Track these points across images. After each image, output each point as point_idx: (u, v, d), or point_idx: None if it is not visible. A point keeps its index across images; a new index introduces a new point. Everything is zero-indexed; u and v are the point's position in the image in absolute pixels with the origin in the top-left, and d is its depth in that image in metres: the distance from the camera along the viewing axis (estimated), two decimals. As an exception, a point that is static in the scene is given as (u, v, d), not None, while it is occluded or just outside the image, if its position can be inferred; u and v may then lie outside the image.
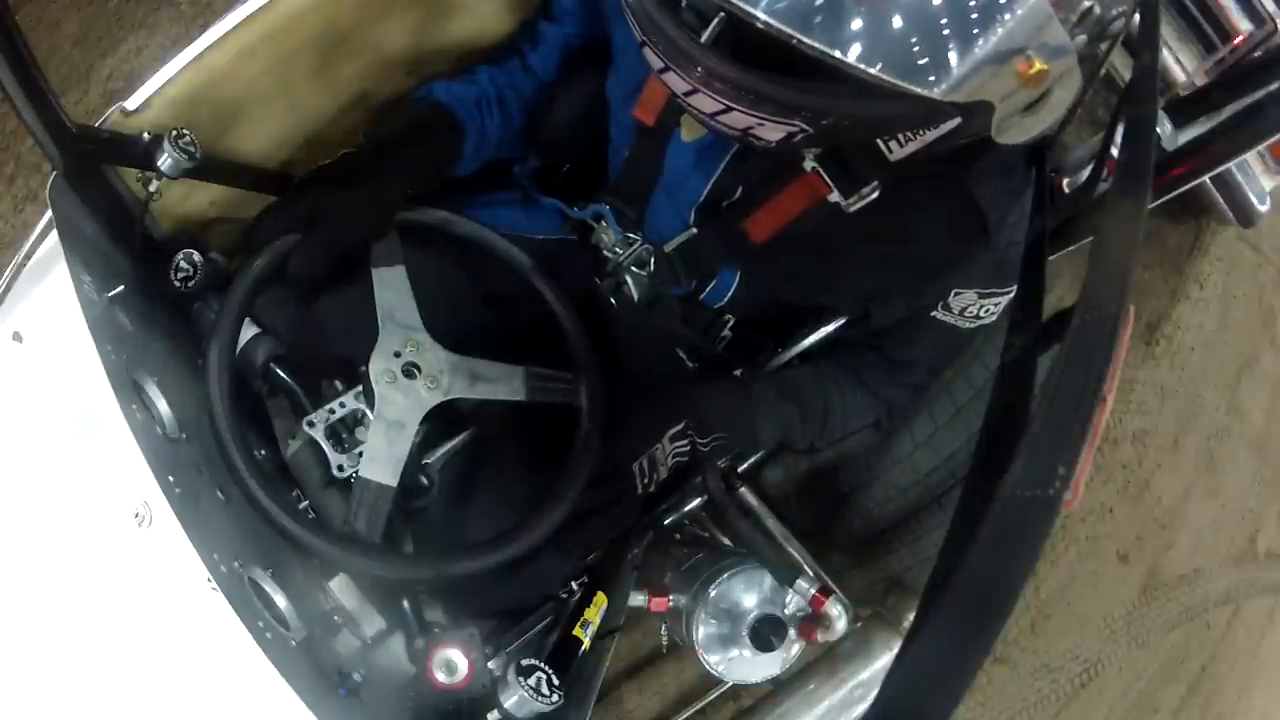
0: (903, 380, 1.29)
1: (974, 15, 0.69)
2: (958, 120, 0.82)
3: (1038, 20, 0.70)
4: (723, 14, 0.76)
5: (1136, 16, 0.84)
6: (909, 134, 1.00)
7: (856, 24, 0.69)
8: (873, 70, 0.70)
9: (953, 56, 0.70)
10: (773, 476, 1.73)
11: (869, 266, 1.16)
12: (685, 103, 0.89)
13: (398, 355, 1.05)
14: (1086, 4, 0.72)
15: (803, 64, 0.73)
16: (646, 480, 1.20)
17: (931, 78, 0.70)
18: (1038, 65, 0.70)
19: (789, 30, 0.69)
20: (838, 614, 1.30)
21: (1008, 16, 0.69)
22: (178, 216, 1.16)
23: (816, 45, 0.69)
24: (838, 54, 0.69)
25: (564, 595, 1.27)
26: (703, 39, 0.78)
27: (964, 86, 0.71)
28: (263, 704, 0.78)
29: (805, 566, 1.43)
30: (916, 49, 0.70)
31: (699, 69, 0.81)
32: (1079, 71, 0.74)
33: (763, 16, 0.69)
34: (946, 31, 0.70)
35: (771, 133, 0.87)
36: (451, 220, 1.20)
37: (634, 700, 2.05)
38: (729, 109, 0.84)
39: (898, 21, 0.69)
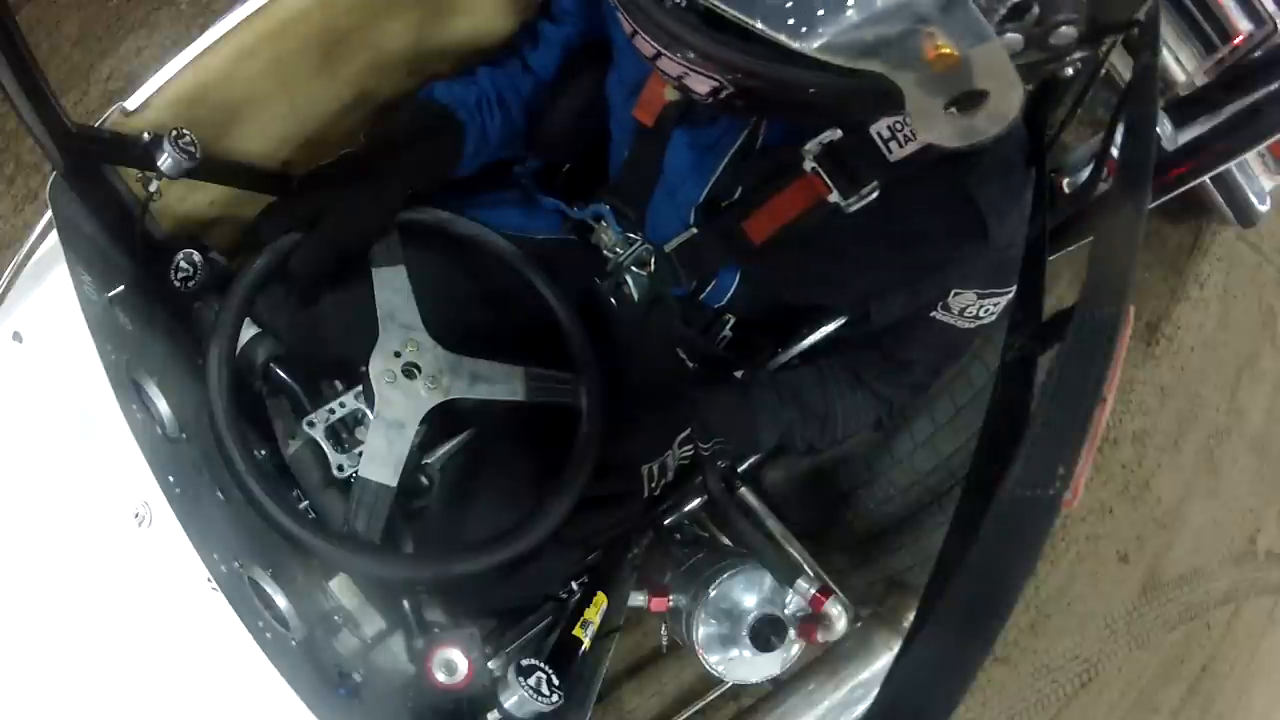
0: (903, 380, 1.30)
1: None
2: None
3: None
4: None
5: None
6: (908, 135, 1.00)
7: None
8: (742, 16, 0.65)
9: (832, 8, 0.63)
10: (773, 476, 1.73)
11: (868, 267, 1.16)
12: (633, 45, 0.85)
13: (398, 355, 1.05)
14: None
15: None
16: (654, 484, 1.20)
17: (805, 28, 0.64)
18: (943, 46, 0.63)
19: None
20: (838, 614, 1.30)
21: None
22: (178, 216, 1.16)
23: None
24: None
25: (564, 595, 1.27)
26: None
27: (844, 46, 0.64)
28: (263, 704, 0.78)
29: (805, 566, 1.43)
30: None
31: (633, 9, 0.78)
32: (1017, 79, 0.65)
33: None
34: None
35: (699, 84, 0.83)
36: (451, 220, 1.20)
37: (634, 700, 2.05)
38: (659, 54, 0.81)
39: None
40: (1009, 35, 0.67)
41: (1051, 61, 0.73)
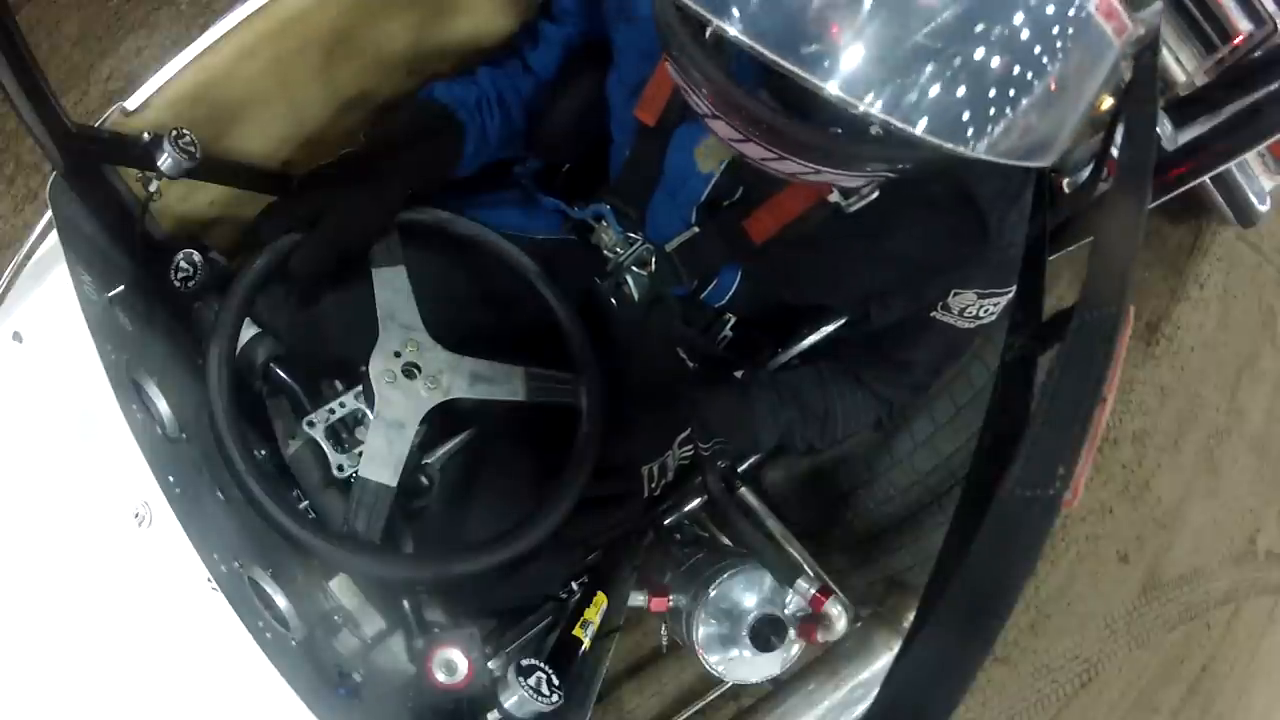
0: (903, 380, 1.30)
1: (1069, 82, 0.70)
2: None
3: (1115, 67, 0.71)
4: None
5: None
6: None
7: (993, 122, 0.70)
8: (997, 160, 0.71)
9: (1058, 130, 0.72)
10: (773, 476, 1.73)
11: (868, 267, 1.16)
12: (733, 148, 0.89)
13: (398, 355, 1.05)
14: (1140, 32, 0.72)
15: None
16: (654, 485, 1.20)
17: (1043, 156, 0.73)
18: (1108, 102, 0.73)
19: (941, 141, 0.69)
20: (838, 614, 1.30)
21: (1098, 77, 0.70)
22: (178, 216, 1.16)
23: (955, 149, 0.69)
24: (965, 152, 0.70)
25: (564, 595, 1.27)
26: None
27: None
28: (263, 704, 0.78)
29: (805, 566, 1.43)
30: (1024, 130, 0.71)
31: (773, 133, 0.82)
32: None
33: (901, 126, 0.68)
34: (1050, 105, 0.71)
35: (849, 181, 0.90)
36: (451, 220, 1.20)
37: (634, 700, 2.05)
38: (781, 159, 0.86)
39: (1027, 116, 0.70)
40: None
41: None
